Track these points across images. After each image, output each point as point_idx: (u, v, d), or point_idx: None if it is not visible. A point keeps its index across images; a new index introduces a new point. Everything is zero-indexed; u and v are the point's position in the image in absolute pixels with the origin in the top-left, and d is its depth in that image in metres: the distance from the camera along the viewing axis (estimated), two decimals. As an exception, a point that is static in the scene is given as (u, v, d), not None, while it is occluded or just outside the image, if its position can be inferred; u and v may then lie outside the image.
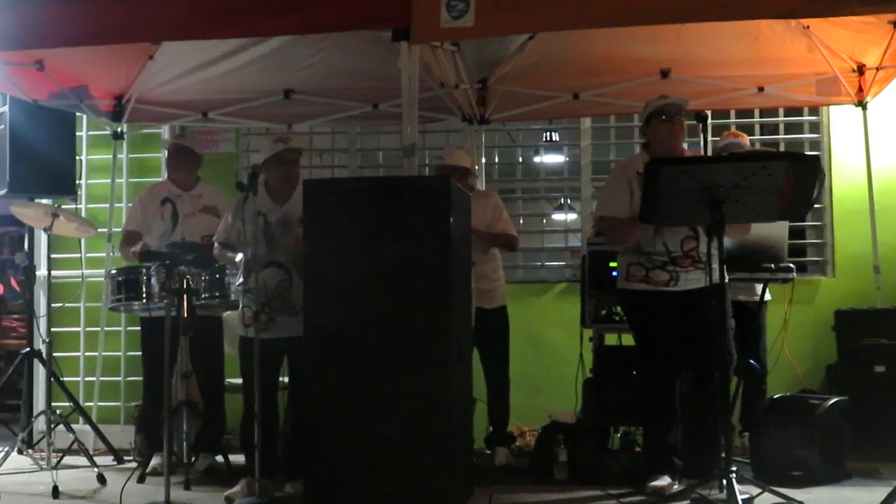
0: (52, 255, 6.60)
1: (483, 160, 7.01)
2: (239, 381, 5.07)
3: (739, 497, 4.06)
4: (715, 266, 4.35)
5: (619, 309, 5.64)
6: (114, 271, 5.36)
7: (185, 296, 4.74)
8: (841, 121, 6.79)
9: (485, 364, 5.79)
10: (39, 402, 6.53)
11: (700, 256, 4.67)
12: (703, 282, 4.59)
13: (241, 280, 4.94)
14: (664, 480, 4.68)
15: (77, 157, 6.69)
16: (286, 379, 5.11)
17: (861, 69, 6.32)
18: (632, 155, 5.46)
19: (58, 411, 5.97)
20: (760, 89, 6.50)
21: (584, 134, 7.27)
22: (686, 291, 4.72)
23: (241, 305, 4.93)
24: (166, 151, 5.99)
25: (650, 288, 4.77)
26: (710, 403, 4.60)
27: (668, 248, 4.73)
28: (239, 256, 4.98)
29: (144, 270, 5.17)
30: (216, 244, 5.15)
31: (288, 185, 5.00)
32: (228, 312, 6.04)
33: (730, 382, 4.73)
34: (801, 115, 7.02)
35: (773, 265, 5.31)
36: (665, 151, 4.74)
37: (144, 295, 5.17)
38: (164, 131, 7.15)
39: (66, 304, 6.78)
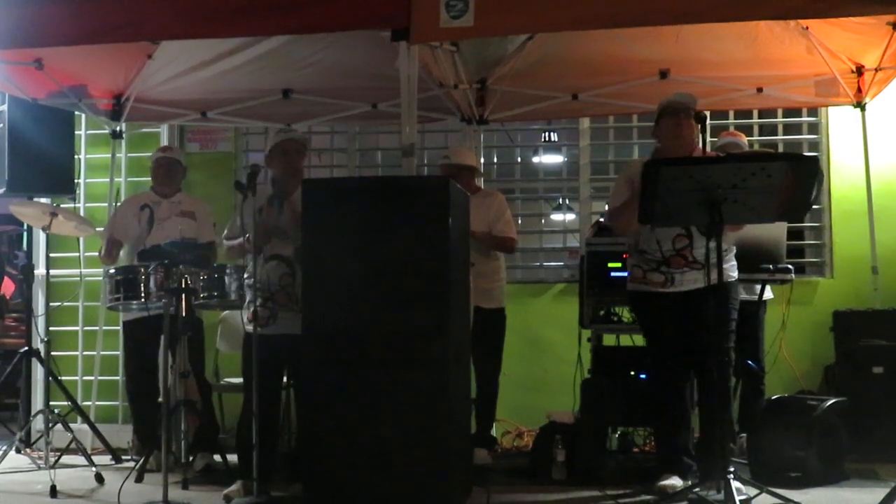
0: (51, 254, 6.59)
1: (482, 160, 7.00)
2: (238, 380, 5.05)
3: (737, 498, 4.06)
4: (724, 266, 4.36)
5: (617, 309, 5.65)
6: (112, 270, 5.35)
7: (183, 295, 4.73)
8: (839, 122, 6.79)
9: (475, 364, 5.77)
10: (37, 402, 6.52)
11: (694, 256, 4.65)
12: (700, 282, 4.59)
13: (246, 275, 4.92)
14: (673, 480, 4.66)
15: (76, 156, 6.70)
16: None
17: (860, 70, 6.32)
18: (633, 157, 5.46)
19: (56, 410, 5.97)
20: (759, 90, 6.49)
21: (582, 134, 7.27)
22: (683, 293, 4.70)
23: (245, 301, 4.91)
24: (154, 163, 5.97)
25: (648, 289, 4.76)
26: (709, 404, 4.61)
27: (661, 246, 4.70)
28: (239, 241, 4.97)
29: (143, 270, 5.17)
30: (224, 241, 5.14)
31: (291, 176, 4.95)
32: (226, 312, 6.05)
33: (729, 383, 4.74)
34: (799, 115, 7.03)
35: (771, 266, 5.32)
36: (670, 149, 4.70)
37: (143, 294, 5.16)
38: (163, 130, 7.15)
39: (65, 304, 6.79)
